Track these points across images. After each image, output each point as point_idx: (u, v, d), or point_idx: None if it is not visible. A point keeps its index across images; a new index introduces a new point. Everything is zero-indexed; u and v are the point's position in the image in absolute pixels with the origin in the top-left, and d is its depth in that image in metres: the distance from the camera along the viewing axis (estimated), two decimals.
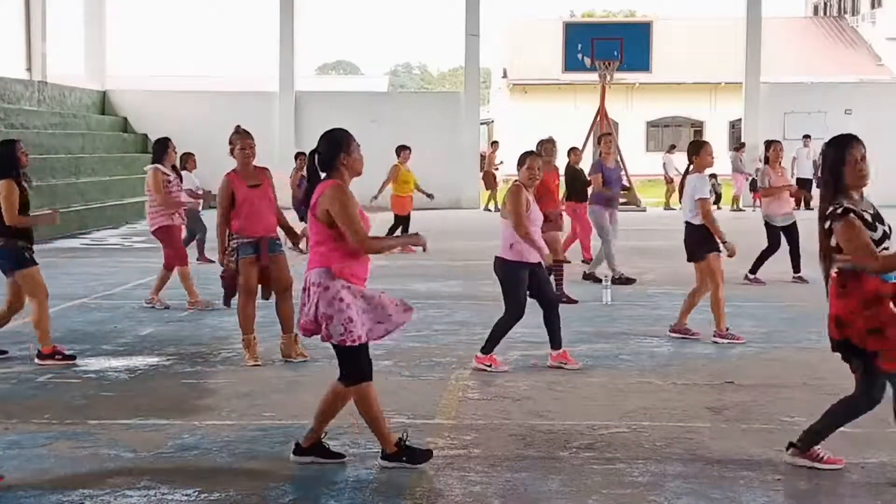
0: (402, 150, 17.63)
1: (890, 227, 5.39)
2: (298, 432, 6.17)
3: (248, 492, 5.23)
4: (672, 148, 29.95)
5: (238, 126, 8.55)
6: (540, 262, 8.01)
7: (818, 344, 9.17)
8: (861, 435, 6.20)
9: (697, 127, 48.43)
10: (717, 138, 41.21)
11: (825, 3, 58.16)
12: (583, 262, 14.03)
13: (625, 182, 13.60)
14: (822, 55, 47.98)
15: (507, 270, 7.96)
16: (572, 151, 14.74)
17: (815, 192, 27.67)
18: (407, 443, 5.63)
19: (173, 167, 11.33)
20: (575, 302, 11.25)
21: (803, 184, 27.69)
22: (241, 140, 8.27)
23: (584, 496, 5.17)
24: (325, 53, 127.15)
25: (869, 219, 5.33)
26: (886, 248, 5.33)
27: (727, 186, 28.98)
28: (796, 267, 12.83)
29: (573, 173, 14.24)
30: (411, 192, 17.41)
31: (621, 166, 13.10)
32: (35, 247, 11.47)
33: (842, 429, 6.33)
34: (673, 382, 7.67)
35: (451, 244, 17.14)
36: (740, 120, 30.57)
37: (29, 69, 26.14)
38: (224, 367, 8.15)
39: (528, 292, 8.02)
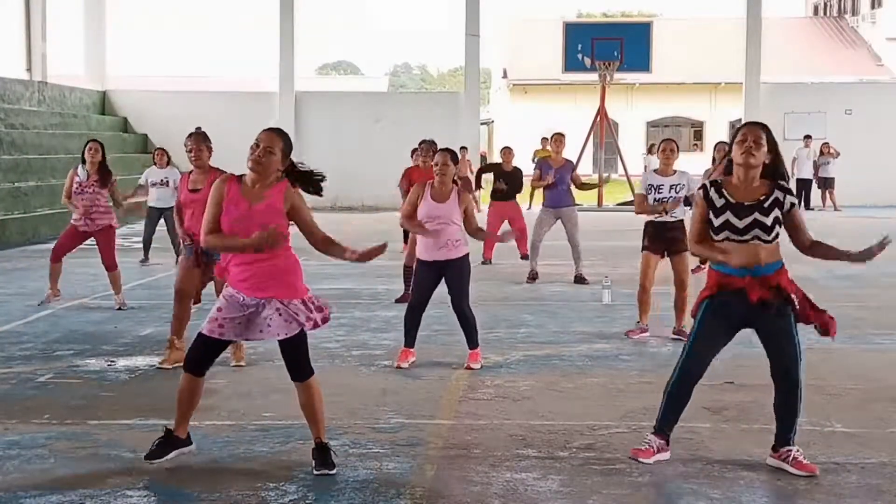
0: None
1: (748, 224, 5.38)
2: (298, 432, 6.18)
3: (248, 492, 5.23)
4: (651, 148, 29.97)
5: (198, 128, 8.59)
6: (448, 261, 8.13)
7: (818, 344, 9.15)
8: (861, 435, 6.21)
9: (697, 127, 48.48)
10: (717, 138, 41.24)
11: (825, 3, 58.18)
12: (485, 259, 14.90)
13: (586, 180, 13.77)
14: (822, 55, 48.00)
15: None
16: (503, 151, 15.77)
17: (816, 192, 27.76)
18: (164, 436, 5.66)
19: (100, 167, 11.32)
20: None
21: (803, 184, 27.74)
22: (190, 142, 8.33)
23: (584, 496, 5.17)
24: (325, 53, 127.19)
25: (718, 203, 5.44)
26: (727, 239, 5.41)
27: None
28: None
29: (500, 173, 15.12)
30: None
31: (572, 167, 13.38)
32: (36, 247, 11.50)
33: (843, 428, 6.36)
34: None
35: None
36: (740, 120, 30.58)
37: (29, 69, 26.14)
38: (224, 367, 8.15)
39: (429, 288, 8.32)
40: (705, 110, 47.77)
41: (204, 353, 5.56)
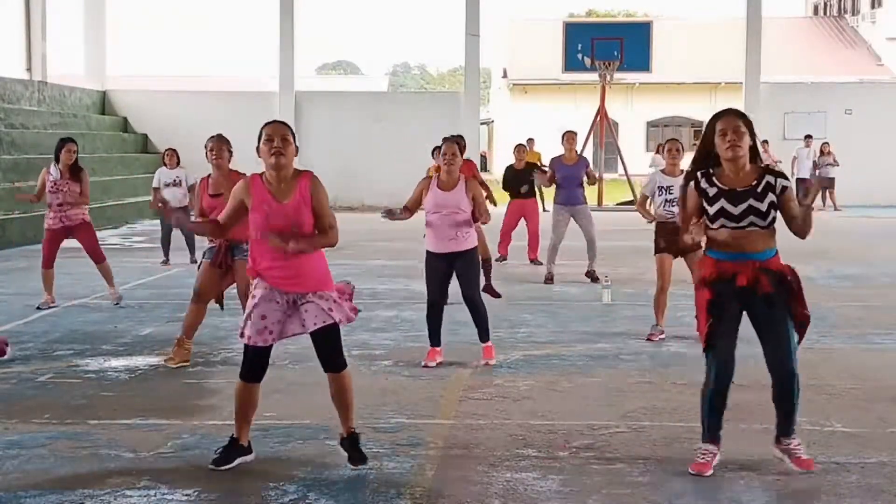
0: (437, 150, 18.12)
1: (743, 210, 5.35)
2: (298, 432, 6.20)
3: (248, 492, 5.23)
4: (660, 147, 29.92)
5: (219, 134, 8.59)
6: (458, 252, 8.11)
7: (818, 344, 9.18)
8: (861, 435, 6.20)
9: (697, 127, 48.40)
10: None
11: (825, 3, 58.18)
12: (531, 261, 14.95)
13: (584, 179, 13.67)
14: (822, 55, 48.00)
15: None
16: (516, 149, 15.84)
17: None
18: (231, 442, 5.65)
19: (70, 166, 11.18)
20: (498, 296, 11.36)
21: (803, 184, 27.73)
22: (212, 143, 8.32)
23: (584, 496, 5.17)
24: (325, 53, 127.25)
25: (710, 192, 5.43)
26: (724, 226, 5.39)
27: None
28: None
29: (510, 172, 15.35)
30: None
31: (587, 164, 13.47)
32: (36, 247, 11.48)
33: (843, 428, 6.35)
34: (673, 382, 7.67)
35: None
36: None
37: (29, 69, 26.14)
38: (224, 367, 8.16)
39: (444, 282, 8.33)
40: (705, 110, 47.60)
41: (259, 362, 5.55)
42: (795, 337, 5.44)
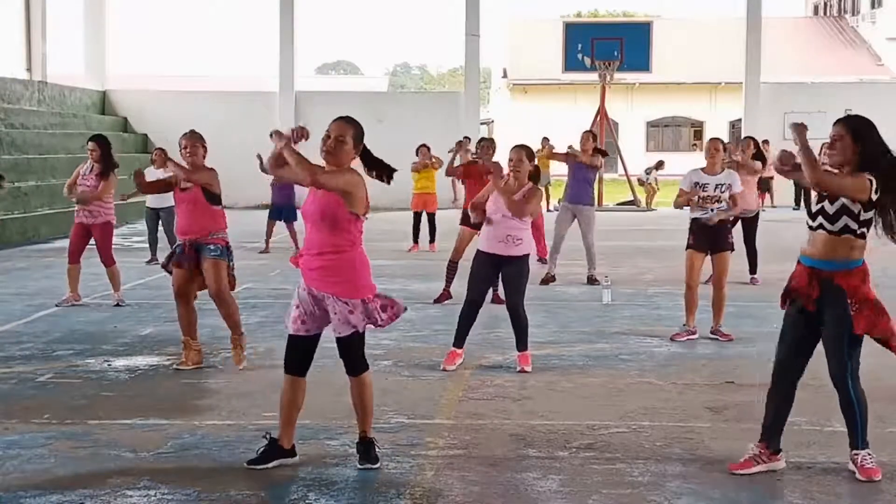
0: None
1: (817, 210, 5.49)
2: (299, 432, 6.16)
3: (248, 492, 5.23)
4: (660, 164, 29.85)
5: (192, 130, 8.58)
6: (506, 257, 8.05)
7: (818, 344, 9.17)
8: None
9: (697, 127, 48.47)
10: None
11: (825, 3, 58.18)
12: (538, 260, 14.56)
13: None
14: (822, 55, 48.00)
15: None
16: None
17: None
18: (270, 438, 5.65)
19: (101, 162, 11.20)
20: (503, 302, 11.25)
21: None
22: (185, 140, 8.31)
23: (584, 496, 5.17)
24: (325, 53, 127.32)
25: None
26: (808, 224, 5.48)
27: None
28: (752, 267, 12.61)
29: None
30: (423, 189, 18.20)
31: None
32: (36, 247, 11.46)
33: (843, 428, 6.34)
34: (673, 382, 7.67)
35: (452, 244, 17.06)
36: (740, 120, 30.60)
37: (29, 69, 26.17)
38: (224, 367, 8.16)
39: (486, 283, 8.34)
40: (705, 110, 47.77)
41: (298, 353, 5.59)
42: (854, 356, 5.60)
